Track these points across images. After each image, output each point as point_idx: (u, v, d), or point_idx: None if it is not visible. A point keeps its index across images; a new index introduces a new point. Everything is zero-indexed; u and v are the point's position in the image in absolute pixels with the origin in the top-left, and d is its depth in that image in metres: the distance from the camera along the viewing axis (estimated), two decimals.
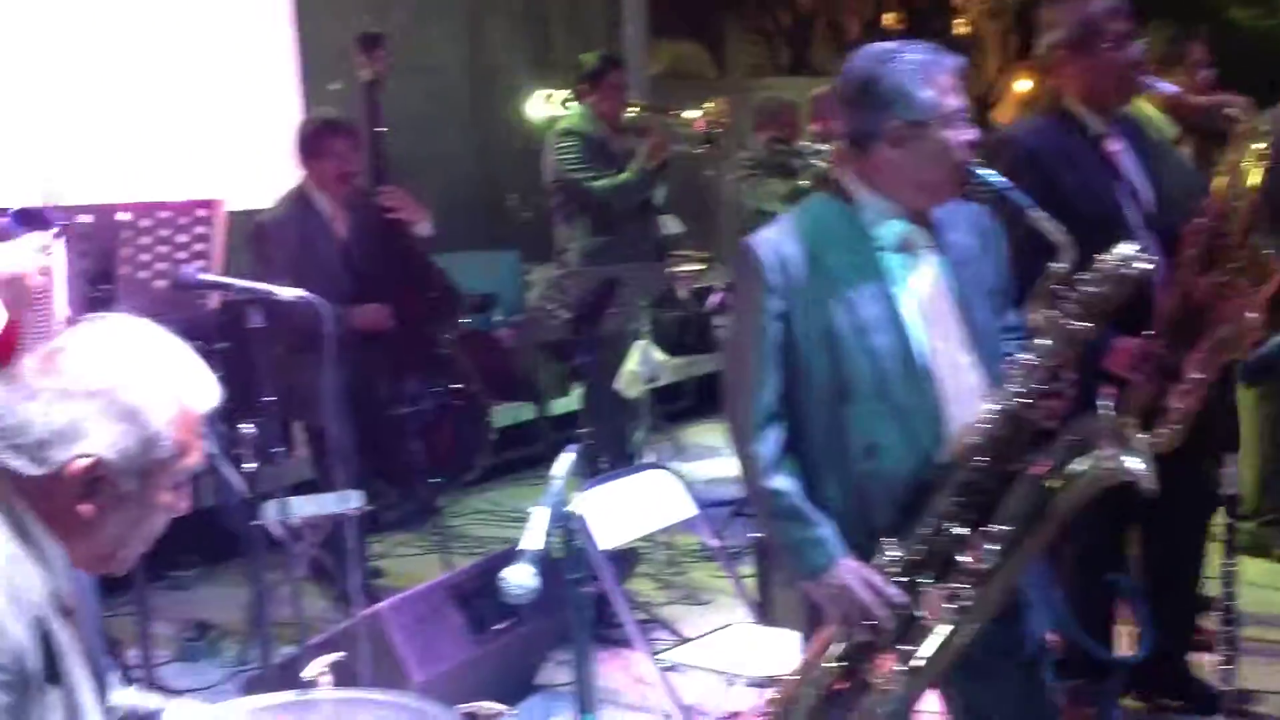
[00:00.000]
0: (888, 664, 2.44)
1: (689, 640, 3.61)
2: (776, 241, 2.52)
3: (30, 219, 2.49)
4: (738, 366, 2.57)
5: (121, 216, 2.91)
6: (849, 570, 2.44)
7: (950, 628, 2.43)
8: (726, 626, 3.62)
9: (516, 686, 3.95)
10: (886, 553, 2.46)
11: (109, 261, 2.95)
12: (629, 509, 3.55)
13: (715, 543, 3.80)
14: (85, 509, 1.67)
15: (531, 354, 7.19)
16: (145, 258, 2.99)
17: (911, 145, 2.47)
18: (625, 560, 5.05)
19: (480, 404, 6.26)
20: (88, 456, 1.65)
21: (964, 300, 2.55)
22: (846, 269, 2.50)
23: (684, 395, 8.09)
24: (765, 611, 3.78)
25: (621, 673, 4.28)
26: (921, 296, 2.52)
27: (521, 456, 7.01)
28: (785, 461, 2.50)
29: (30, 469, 1.65)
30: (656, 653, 3.34)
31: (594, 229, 5.74)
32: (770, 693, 2.59)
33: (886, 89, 2.47)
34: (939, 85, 2.47)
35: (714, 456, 7.37)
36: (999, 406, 2.44)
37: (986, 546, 2.42)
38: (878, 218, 2.54)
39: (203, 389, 1.77)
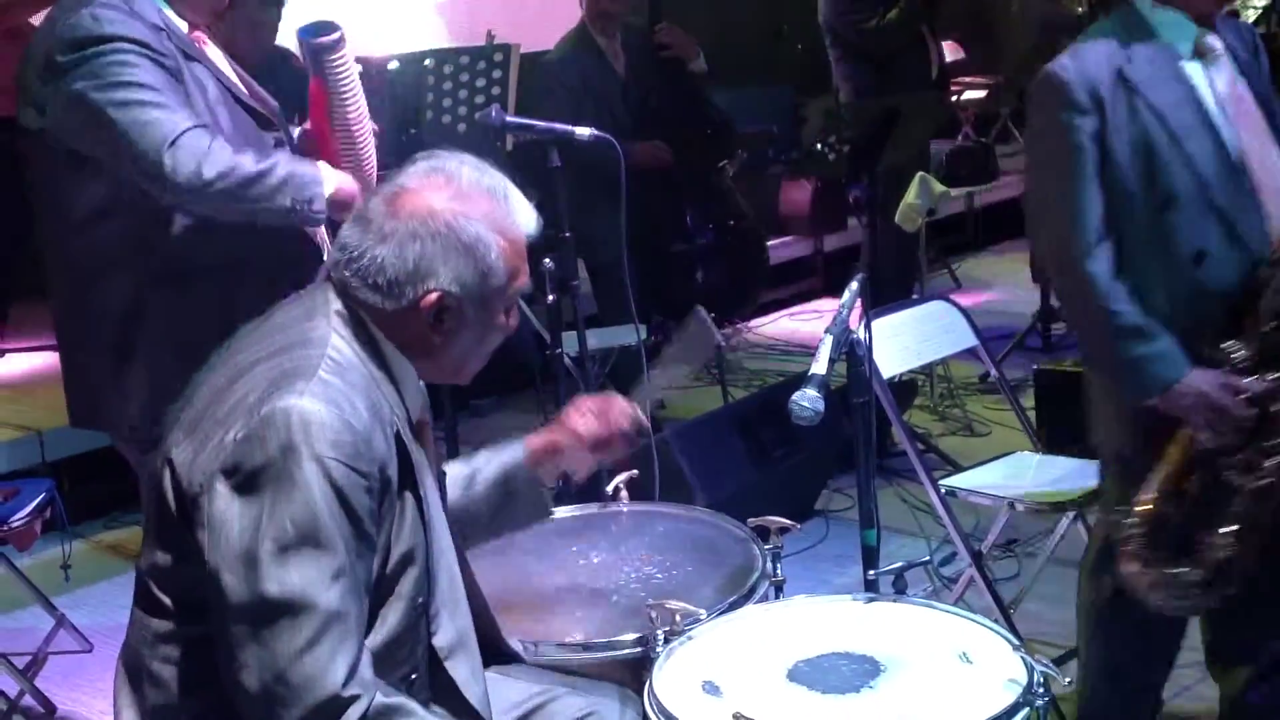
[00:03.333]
0: (1262, 462, 2.42)
1: (968, 468, 3.65)
2: (1077, 64, 2.52)
3: (320, 30, 2.64)
4: (1047, 192, 2.58)
5: (426, 63, 3.08)
6: (1203, 376, 2.45)
7: None
8: (1008, 454, 3.65)
9: (797, 511, 4.09)
10: (1232, 353, 2.46)
11: (415, 108, 3.14)
12: (910, 339, 3.58)
13: (996, 373, 3.80)
14: (435, 336, 1.87)
15: (808, 189, 7.19)
16: (447, 102, 3.16)
17: None
18: (904, 393, 5.10)
19: (756, 239, 6.35)
20: (436, 291, 1.83)
21: (1261, 100, 2.54)
22: (1151, 81, 2.49)
23: (964, 228, 7.94)
24: (1046, 440, 3.78)
25: (898, 501, 4.38)
26: (1225, 99, 2.52)
27: (798, 292, 7.08)
28: (1120, 280, 2.50)
29: (387, 304, 1.84)
30: (935, 480, 3.39)
31: (868, 63, 5.63)
32: (1132, 515, 2.53)
33: None
34: None
35: (993, 289, 7.26)
36: None
37: None
38: (1170, 28, 2.52)
39: (525, 216, 1.91)
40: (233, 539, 1.71)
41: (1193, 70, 2.52)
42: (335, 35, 2.65)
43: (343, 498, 1.72)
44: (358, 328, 1.85)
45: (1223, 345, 2.46)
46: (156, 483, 1.82)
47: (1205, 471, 2.49)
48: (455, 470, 2.25)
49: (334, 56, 2.66)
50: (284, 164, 2.54)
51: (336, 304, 1.86)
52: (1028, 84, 2.71)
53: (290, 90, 2.88)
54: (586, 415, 2.27)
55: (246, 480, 1.72)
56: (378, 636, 1.82)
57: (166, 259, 2.57)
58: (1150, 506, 2.52)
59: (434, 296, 1.83)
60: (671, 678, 2.03)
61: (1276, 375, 2.45)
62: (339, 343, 1.82)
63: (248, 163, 2.49)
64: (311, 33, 2.65)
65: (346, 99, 2.70)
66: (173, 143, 2.44)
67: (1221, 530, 2.47)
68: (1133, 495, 2.55)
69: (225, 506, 1.72)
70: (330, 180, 2.61)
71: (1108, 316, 2.49)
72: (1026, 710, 1.87)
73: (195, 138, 2.46)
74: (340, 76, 2.68)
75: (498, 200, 1.87)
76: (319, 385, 1.75)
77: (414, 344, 1.88)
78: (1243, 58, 2.59)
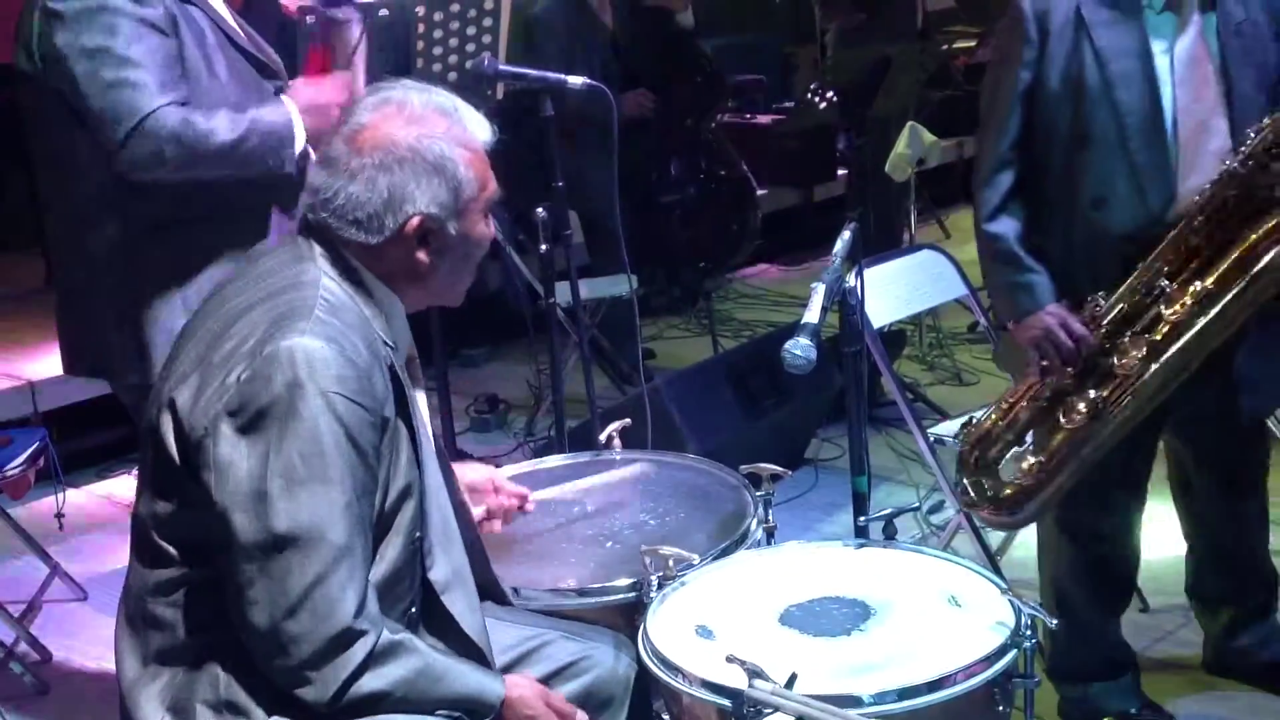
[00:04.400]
0: (1079, 407, 2.57)
1: (955, 417, 3.68)
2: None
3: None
4: (986, 114, 2.69)
5: (417, 11, 3.06)
6: (1051, 314, 2.56)
7: (1143, 378, 2.53)
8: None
9: (787, 460, 4.11)
10: (1096, 302, 2.57)
11: (405, 55, 3.12)
12: (901, 288, 3.60)
13: (985, 322, 3.82)
14: (423, 258, 1.88)
15: (797, 139, 7.17)
16: (438, 50, 3.14)
17: None
18: (893, 342, 5.12)
19: (746, 190, 6.34)
20: (416, 216, 1.85)
21: (1230, 66, 2.53)
22: (1106, 23, 2.53)
23: (953, 178, 7.93)
24: None
25: (887, 449, 4.42)
26: (1182, 56, 2.53)
27: (787, 242, 7.09)
28: (1010, 207, 2.62)
29: (371, 239, 1.86)
30: (924, 428, 3.42)
31: (856, 9, 5.61)
32: (967, 432, 2.76)
33: None
34: None
35: None
36: (1229, 167, 2.45)
37: (1187, 302, 2.50)
38: None
39: (478, 125, 1.92)
40: (241, 478, 1.73)
41: (1158, 22, 2.53)
42: (352, 12, 2.67)
43: (349, 432, 1.74)
44: (344, 268, 1.87)
45: (1097, 295, 2.57)
46: (154, 429, 1.84)
47: (1035, 403, 2.64)
48: None
49: (347, 32, 2.68)
50: (257, 128, 2.53)
51: (319, 247, 1.88)
52: None
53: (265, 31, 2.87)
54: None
55: (252, 419, 1.74)
56: (378, 571, 1.84)
57: (158, 206, 2.57)
58: (986, 424, 2.72)
59: (416, 221, 1.85)
60: (665, 622, 2.06)
61: (1121, 334, 2.55)
62: (330, 284, 1.84)
63: (222, 129, 2.49)
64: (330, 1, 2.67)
65: (352, 80, 2.71)
66: (135, 127, 2.45)
67: (1029, 459, 2.65)
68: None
69: (231, 447, 1.74)
70: (300, 127, 2.60)
71: (985, 240, 2.64)
72: (1014, 651, 1.91)
73: (158, 121, 2.45)
74: (349, 50, 2.69)
75: (451, 116, 1.88)
76: (318, 324, 1.77)
77: (401, 274, 1.89)
78: (1251, 21, 2.56)
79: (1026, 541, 3.51)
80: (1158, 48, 2.53)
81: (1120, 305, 2.55)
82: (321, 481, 1.73)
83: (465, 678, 1.86)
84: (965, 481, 2.77)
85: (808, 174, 7.37)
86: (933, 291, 3.76)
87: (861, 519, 2.39)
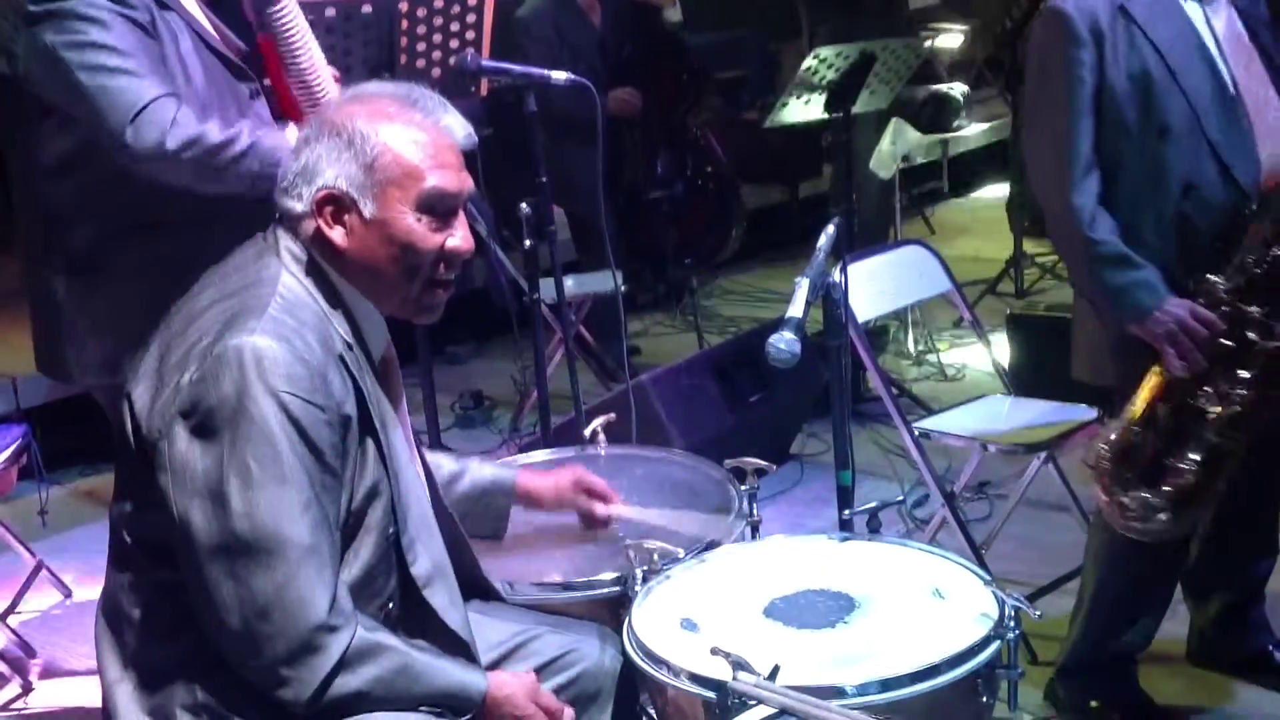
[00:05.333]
0: (1229, 390, 2.48)
1: (941, 411, 3.70)
2: (1079, 1, 2.56)
3: None
4: (1043, 124, 2.64)
5: (400, 6, 3.06)
6: (1178, 305, 2.51)
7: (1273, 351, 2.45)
8: (980, 397, 3.69)
9: (772, 455, 4.11)
10: (1213, 285, 2.51)
11: (390, 51, 3.12)
12: (885, 283, 3.61)
13: (970, 317, 3.83)
14: (336, 238, 1.85)
15: (782, 135, 7.17)
16: (422, 46, 3.14)
17: None
18: (879, 338, 5.14)
19: (731, 187, 6.35)
20: (324, 189, 1.84)
21: (1262, 38, 2.59)
22: (1151, 15, 2.55)
23: (937, 174, 7.96)
24: (1018, 384, 3.82)
25: (873, 445, 4.43)
26: (1225, 35, 2.58)
27: (772, 239, 7.10)
28: (1103, 210, 2.57)
29: (295, 206, 1.86)
30: (909, 423, 3.43)
31: (839, 5, 5.62)
32: (1103, 440, 2.61)
33: None
34: None
35: (967, 235, 7.29)
36: None
37: None
38: None
39: (446, 120, 1.88)
40: (198, 481, 1.73)
41: (1191, 9, 2.58)
42: None
43: (301, 431, 1.74)
44: (309, 264, 1.87)
45: (1208, 276, 2.51)
46: (120, 428, 1.84)
47: (1177, 400, 2.55)
48: (446, 464, 2.31)
49: (275, 9, 2.64)
50: (248, 133, 2.50)
51: (287, 240, 1.87)
52: (1001, 30, 2.73)
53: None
54: (580, 494, 2.37)
55: (204, 421, 1.73)
56: (353, 570, 1.84)
57: (132, 210, 2.55)
58: (1121, 434, 2.58)
59: (323, 194, 1.84)
60: (650, 615, 2.06)
61: (1253, 308, 2.49)
62: (289, 280, 1.84)
63: (213, 133, 2.47)
64: None
65: (296, 50, 2.67)
66: (137, 114, 2.42)
67: (1189, 456, 2.52)
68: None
69: (186, 448, 1.74)
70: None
71: (1090, 245, 2.56)
72: (998, 643, 1.91)
73: (160, 109, 2.43)
74: (286, 28, 2.65)
75: (408, 104, 1.86)
76: (269, 323, 1.76)
77: (334, 257, 1.87)
78: (1243, 3, 2.64)
79: (1010, 533, 3.54)
80: (1203, 29, 2.57)
81: (1235, 283, 2.50)
82: (278, 482, 1.72)
83: (446, 673, 1.86)
84: (1117, 502, 2.58)
85: (793, 170, 7.38)
86: (918, 286, 3.77)
87: (846, 513, 2.40)
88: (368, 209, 1.84)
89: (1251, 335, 2.49)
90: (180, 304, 1.91)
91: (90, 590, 3.77)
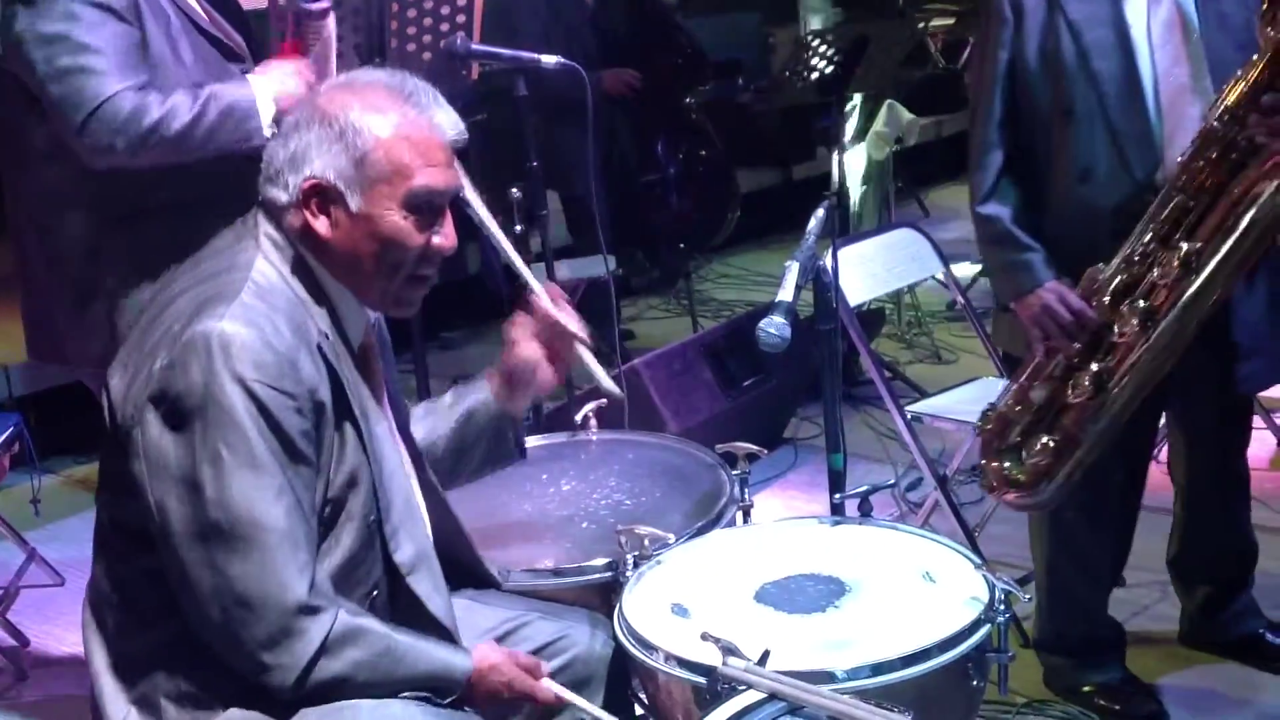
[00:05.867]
0: (1084, 381, 2.55)
1: (934, 395, 3.69)
2: None
3: None
4: (974, 100, 2.72)
5: None
6: (1051, 290, 2.56)
7: (1144, 346, 2.50)
8: (973, 380, 3.68)
9: (766, 440, 4.12)
10: (1096, 274, 2.54)
11: (379, 35, 3.10)
12: (877, 266, 3.61)
13: (963, 299, 3.82)
14: (321, 229, 1.83)
15: (777, 118, 7.16)
16: (412, 30, 3.12)
17: None
18: (871, 321, 5.13)
19: (726, 170, 6.34)
20: (311, 179, 1.82)
21: (1208, 31, 2.53)
22: None
23: (932, 156, 7.93)
24: (1010, 367, 3.81)
25: (866, 428, 4.42)
26: (1159, 23, 2.54)
27: (767, 222, 7.08)
28: (1002, 187, 2.63)
29: (280, 195, 1.84)
30: (901, 405, 3.42)
31: None
32: (986, 418, 2.70)
33: None
34: None
35: (961, 217, 7.28)
36: (1207, 125, 2.43)
37: (1178, 266, 2.46)
38: None
39: (438, 115, 1.85)
40: (171, 468, 1.72)
41: None
42: (325, 4, 2.63)
43: (269, 417, 1.72)
44: (286, 250, 1.85)
45: (1092, 267, 2.55)
46: (103, 414, 1.84)
47: (1047, 383, 2.61)
48: (422, 413, 2.23)
49: (319, 24, 2.64)
50: (216, 103, 2.49)
51: (266, 226, 1.86)
52: None
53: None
54: (523, 326, 2.19)
55: (174, 408, 1.73)
56: (335, 558, 1.83)
57: (121, 198, 2.55)
58: (1002, 409, 2.68)
59: (310, 184, 1.82)
60: (641, 601, 2.06)
61: (1120, 304, 2.52)
62: (264, 265, 1.82)
63: (182, 110, 2.45)
64: None
65: (323, 64, 2.68)
66: (90, 114, 2.42)
67: (1043, 439, 2.60)
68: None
69: (158, 436, 1.73)
70: (266, 101, 2.55)
71: (981, 221, 2.65)
72: (988, 626, 1.91)
73: (113, 108, 2.42)
74: (321, 43, 2.66)
75: (402, 98, 1.84)
76: (239, 308, 1.75)
77: (317, 248, 1.85)
78: None
79: (1004, 516, 3.53)
80: (1134, 16, 2.53)
81: (1119, 276, 2.54)
82: (250, 468, 1.71)
83: (430, 655, 1.85)
84: (989, 466, 2.70)
85: (787, 153, 7.36)
86: (910, 270, 3.77)
87: (837, 496, 2.40)
88: (354, 203, 1.82)
89: (1123, 330, 2.51)
90: (159, 291, 1.90)
91: (83, 579, 3.73)
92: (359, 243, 1.84)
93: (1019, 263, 2.60)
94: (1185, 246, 2.47)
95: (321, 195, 1.83)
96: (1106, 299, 2.54)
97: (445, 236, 1.88)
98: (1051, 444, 2.61)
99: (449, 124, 1.86)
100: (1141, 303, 2.51)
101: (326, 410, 1.80)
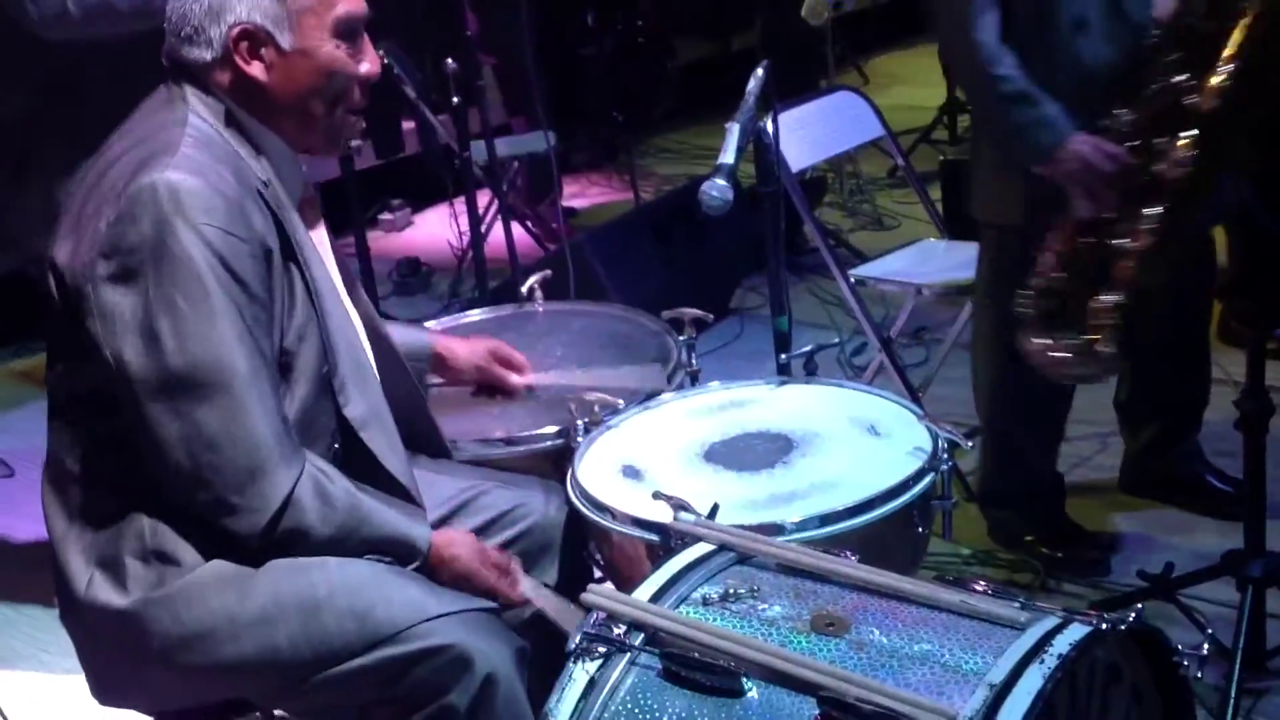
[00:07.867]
0: (1141, 225, 2.42)
1: (875, 258, 3.72)
2: None
3: None
4: None
5: None
6: (1084, 141, 2.46)
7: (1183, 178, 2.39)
8: (914, 242, 3.71)
9: (712, 309, 4.14)
10: (1118, 119, 2.45)
11: None
12: (818, 130, 3.60)
13: (904, 164, 3.83)
14: (257, 74, 1.82)
15: None
16: None
17: None
18: (814, 189, 5.13)
19: (663, 41, 6.25)
20: (238, 25, 1.80)
21: None
22: None
23: (870, 22, 7.86)
24: (953, 230, 3.85)
25: (810, 296, 4.46)
26: None
27: (706, 94, 7.01)
28: (1005, 46, 2.51)
29: (205, 54, 1.81)
30: (845, 270, 3.45)
31: None
32: (1027, 288, 2.55)
33: None
34: None
35: (900, 84, 7.25)
36: None
37: (1211, 90, 2.33)
38: None
39: None
40: (127, 321, 1.71)
41: None
42: None
43: (225, 262, 1.72)
44: (216, 106, 1.83)
45: (1114, 112, 2.46)
46: (45, 293, 1.82)
47: (1093, 240, 2.51)
48: None
49: None
50: None
51: (189, 87, 1.84)
52: None
53: None
54: (494, 364, 2.37)
55: (126, 261, 1.71)
56: (290, 411, 1.83)
57: (58, 70, 2.49)
58: (1044, 279, 2.55)
59: (237, 30, 1.80)
60: (592, 465, 2.09)
61: (1156, 140, 2.43)
62: (198, 120, 1.81)
63: None
64: None
65: None
66: None
67: (1108, 296, 2.48)
68: (1016, 266, 2.59)
69: (111, 291, 1.72)
70: None
71: (994, 82, 2.52)
72: (932, 475, 1.96)
73: None
74: None
75: None
76: (183, 159, 1.74)
77: (256, 99, 1.84)
78: None
79: (946, 376, 3.60)
80: None
81: (1142, 113, 2.43)
82: (208, 315, 1.71)
83: (394, 520, 1.87)
84: (1040, 345, 2.54)
85: (724, 22, 7.27)
86: (851, 134, 3.76)
87: (783, 356, 2.42)
88: (285, 41, 1.81)
89: (1160, 167, 2.41)
90: (90, 161, 1.87)
91: (32, 468, 3.73)
92: (300, 79, 1.83)
93: (1042, 118, 2.48)
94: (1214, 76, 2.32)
95: (250, 40, 1.81)
96: (1136, 142, 2.43)
97: (371, 61, 1.89)
98: (1119, 299, 2.47)
99: None
100: (1182, 133, 2.37)
101: (275, 257, 1.80)
